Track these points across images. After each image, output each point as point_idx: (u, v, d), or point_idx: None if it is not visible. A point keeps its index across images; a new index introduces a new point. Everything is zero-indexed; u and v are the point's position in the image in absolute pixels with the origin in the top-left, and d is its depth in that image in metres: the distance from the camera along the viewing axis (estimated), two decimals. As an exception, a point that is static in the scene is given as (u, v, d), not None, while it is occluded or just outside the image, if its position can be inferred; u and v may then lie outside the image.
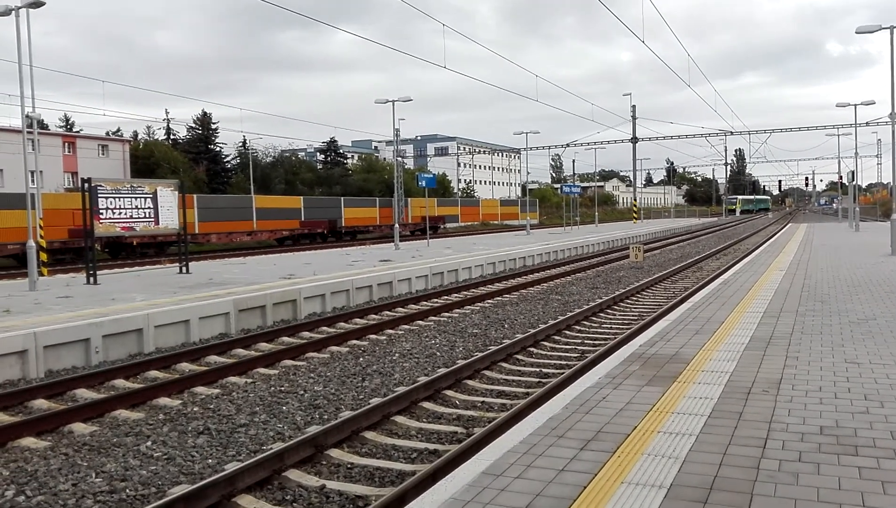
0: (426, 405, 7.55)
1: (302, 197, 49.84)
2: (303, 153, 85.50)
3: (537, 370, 9.15)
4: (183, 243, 18.22)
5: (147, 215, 16.29)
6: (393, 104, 30.97)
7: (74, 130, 69.98)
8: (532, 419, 5.02)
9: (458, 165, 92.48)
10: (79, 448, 6.40)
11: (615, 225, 59.00)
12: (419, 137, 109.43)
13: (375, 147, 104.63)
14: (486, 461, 4.18)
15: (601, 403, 5.35)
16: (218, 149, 71.39)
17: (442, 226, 54.14)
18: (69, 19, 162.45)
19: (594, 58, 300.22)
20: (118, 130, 76.42)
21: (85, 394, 8.23)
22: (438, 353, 10.15)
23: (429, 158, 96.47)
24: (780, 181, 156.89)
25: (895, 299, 10.50)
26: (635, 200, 68.27)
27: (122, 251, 29.62)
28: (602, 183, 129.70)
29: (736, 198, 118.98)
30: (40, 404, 7.83)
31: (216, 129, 71.24)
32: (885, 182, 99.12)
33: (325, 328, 12.16)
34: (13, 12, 16.58)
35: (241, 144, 73.94)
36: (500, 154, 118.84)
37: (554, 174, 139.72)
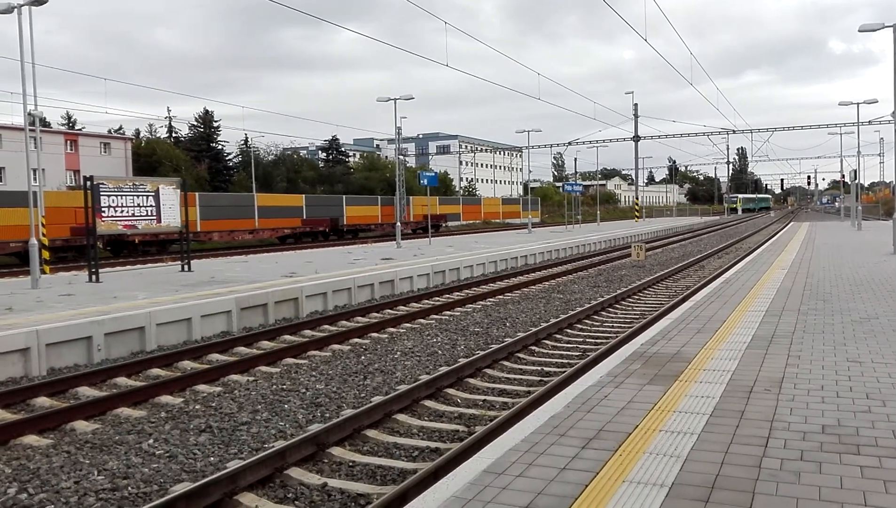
0: (428, 403, 7.55)
1: (304, 195, 49.84)
2: (305, 151, 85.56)
3: (539, 368, 9.15)
4: (185, 241, 18.23)
5: (149, 213, 16.30)
6: (395, 102, 30.95)
7: (76, 127, 70.06)
8: (534, 417, 5.02)
9: (460, 163, 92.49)
10: (81, 445, 6.41)
11: (617, 224, 58.97)
12: (421, 136, 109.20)
13: (377, 145, 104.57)
14: (487, 459, 4.18)
15: (603, 401, 5.35)
16: (220, 147, 71.40)
17: (443, 224, 54.15)
18: (70, 17, 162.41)
19: (597, 56, 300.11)
20: (120, 127, 76.48)
21: (87, 392, 8.24)
22: (440, 351, 10.15)
23: (431, 157, 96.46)
24: (782, 180, 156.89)
25: (897, 298, 10.49)
26: (637, 198, 68.19)
27: (124, 249, 29.65)
28: (604, 182, 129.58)
29: (736, 197, 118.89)
30: (42, 401, 7.84)
31: (218, 127, 71.29)
32: (888, 181, 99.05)
33: (326, 327, 12.17)
34: (15, 10, 16.59)
35: (242, 142, 74.00)
36: (502, 152, 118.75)
37: (556, 173, 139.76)
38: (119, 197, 15.66)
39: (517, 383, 8.50)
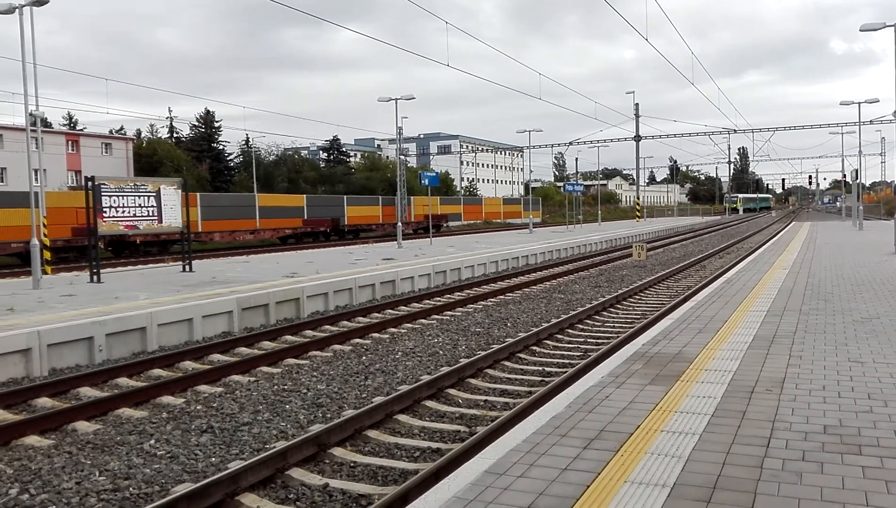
0: (429, 403, 7.55)
1: (305, 195, 49.84)
2: (306, 152, 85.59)
3: (540, 368, 9.15)
4: (186, 241, 18.25)
5: (150, 214, 16.32)
6: (396, 102, 30.99)
7: (78, 128, 70.12)
8: (535, 417, 5.01)
9: (461, 163, 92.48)
10: (82, 446, 6.41)
11: (618, 224, 58.96)
12: (422, 136, 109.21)
13: (378, 145, 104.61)
14: (488, 459, 4.18)
15: (604, 402, 5.35)
16: (221, 147, 71.42)
17: (444, 225, 54.16)
18: (71, 18, 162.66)
19: (597, 56, 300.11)
20: (121, 128, 76.59)
21: (88, 392, 8.24)
22: (441, 351, 10.15)
23: (432, 157, 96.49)
24: (783, 180, 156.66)
25: (899, 297, 10.48)
26: (638, 198, 68.19)
27: (126, 250, 29.68)
28: (605, 181, 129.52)
29: (736, 196, 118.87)
30: (44, 402, 7.85)
31: (219, 127, 71.32)
32: (889, 180, 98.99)
33: (328, 327, 12.17)
34: (16, 10, 16.61)
35: (244, 142, 74.11)
36: (503, 152, 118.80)
37: (557, 173, 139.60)
38: (120, 197, 15.67)
39: (518, 383, 8.50)
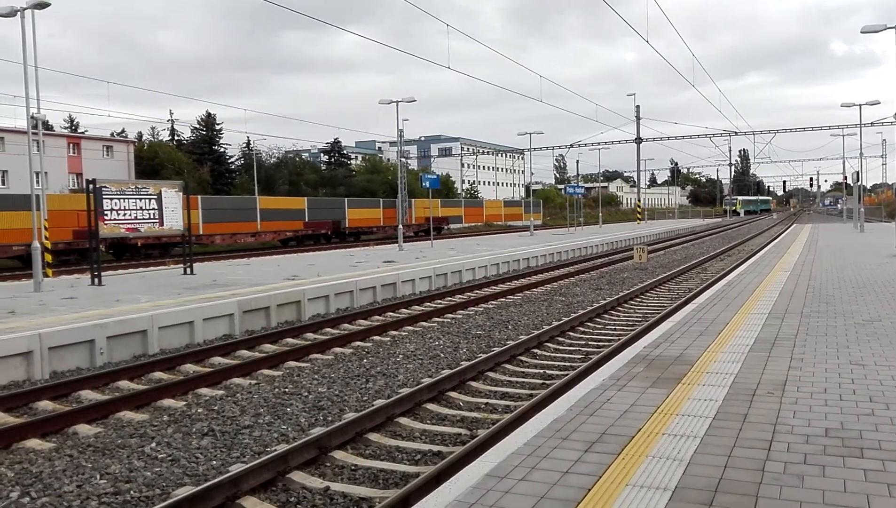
0: (430, 406, 7.54)
1: (306, 198, 49.96)
2: (307, 154, 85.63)
3: (541, 371, 9.14)
4: (187, 244, 18.26)
5: (151, 217, 16.32)
6: (397, 105, 30.99)
7: (79, 131, 70.29)
8: (536, 421, 5.01)
9: (462, 165, 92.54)
10: (83, 449, 6.41)
11: (619, 226, 58.94)
12: (423, 138, 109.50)
13: (379, 148, 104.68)
14: (490, 463, 4.17)
15: (605, 405, 5.34)
16: (222, 150, 71.56)
17: (445, 227, 54.14)
18: (72, 21, 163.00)
19: (598, 58, 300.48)
20: (122, 130, 76.68)
21: (89, 395, 8.24)
22: (442, 354, 10.14)
23: (432, 159, 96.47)
24: (784, 182, 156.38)
25: (900, 300, 10.46)
26: (639, 200, 68.16)
27: (127, 252, 29.69)
28: (606, 184, 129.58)
29: (736, 199, 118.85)
30: (45, 405, 7.85)
31: (220, 130, 71.48)
32: (890, 183, 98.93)
33: (328, 330, 12.17)
34: (18, 13, 16.64)
35: (245, 144, 74.22)
36: (504, 155, 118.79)
37: (558, 175, 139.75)
38: (121, 200, 15.68)
39: (519, 386, 8.49)
